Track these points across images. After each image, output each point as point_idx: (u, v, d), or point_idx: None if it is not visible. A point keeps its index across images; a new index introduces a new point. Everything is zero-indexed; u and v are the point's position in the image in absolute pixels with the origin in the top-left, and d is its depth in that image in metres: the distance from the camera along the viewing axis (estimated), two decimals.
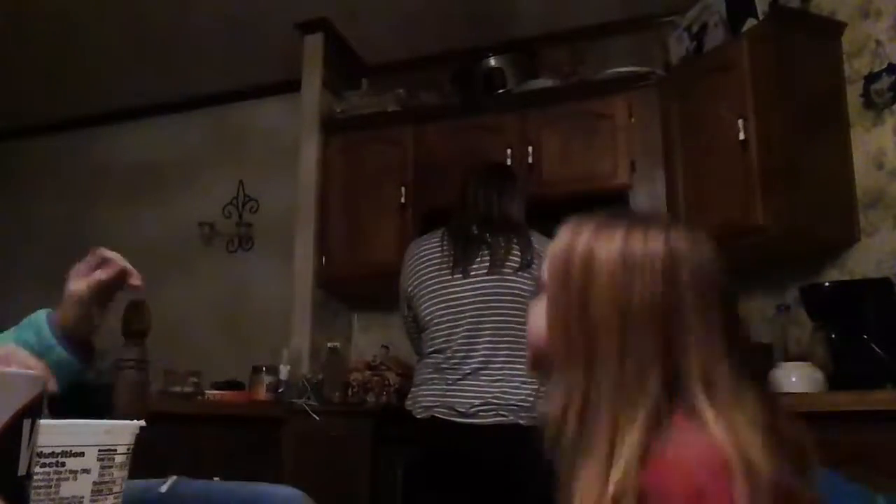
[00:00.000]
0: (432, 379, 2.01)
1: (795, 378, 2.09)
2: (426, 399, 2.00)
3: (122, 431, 0.70)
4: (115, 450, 0.68)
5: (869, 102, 2.38)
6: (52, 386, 0.65)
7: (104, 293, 1.02)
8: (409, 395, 2.10)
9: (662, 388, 0.69)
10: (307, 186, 3.44)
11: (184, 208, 4.08)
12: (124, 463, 0.69)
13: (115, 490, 0.68)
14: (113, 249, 1.05)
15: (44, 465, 0.61)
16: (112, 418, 0.82)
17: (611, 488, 0.65)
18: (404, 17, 3.45)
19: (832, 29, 2.50)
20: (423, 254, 2.13)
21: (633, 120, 2.94)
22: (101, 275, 1.02)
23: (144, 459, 0.78)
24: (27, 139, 4.61)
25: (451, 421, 1.93)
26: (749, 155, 2.41)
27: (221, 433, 2.50)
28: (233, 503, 1.13)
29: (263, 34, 3.57)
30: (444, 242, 2.10)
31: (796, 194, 2.34)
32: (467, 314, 1.99)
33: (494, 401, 1.90)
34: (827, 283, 2.29)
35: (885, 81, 2.32)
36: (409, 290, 2.13)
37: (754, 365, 0.73)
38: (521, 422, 1.87)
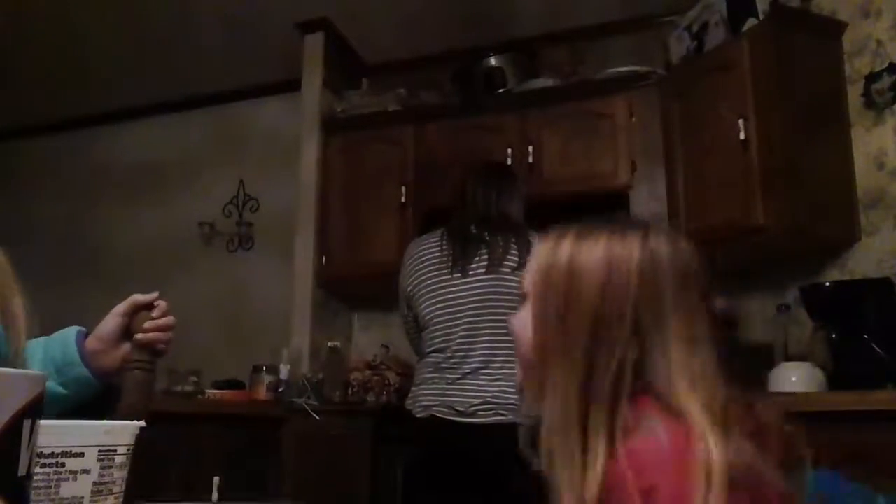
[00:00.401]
0: (432, 378, 2.02)
1: (795, 378, 2.09)
2: (426, 398, 2.00)
3: (122, 432, 0.70)
4: (115, 450, 0.68)
5: (869, 102, 2.38)
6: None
7: (137, 320, 1.03)
8: (410, 395, 2.11)
9: (635, 386, 0.72)
10: (307, 186, 3.44)
11: (184, 208, 4.08)
12: (124, 463, 0.69)
13: (115, 490, 0.68)
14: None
15: (44, 466, 0.61)
16: (113, 418, 0.82)
17: (589, 493, 0.68)
18: (404, 17, 3.45)
19: (833, 29, 2.50)
20: (422, 253, 2.13)
21: (633, 120, 2.94)
22: (136, 297, 1.04)
23: (145, 459, 0.78)
24: (27, 139, 4.61)
25: (450, 420, 1.94)
26: (749, 155, 2.41)
27: (222, 433, 2.50)
28: None
29: (263, 34, 3.57)
30: (444, 242, 2.10)
31: (796, 194, 2.34)
32: (465, 313, 2.00)
33: (494, 400, 1.90)
34: (827, 283, 2.29)
35: (886, 81, 2.32)
36: (409, 289, 2.13)
37: (740, 364, 0.74)
38: (520, 421, 1.87)
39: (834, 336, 2.11)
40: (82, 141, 4.48)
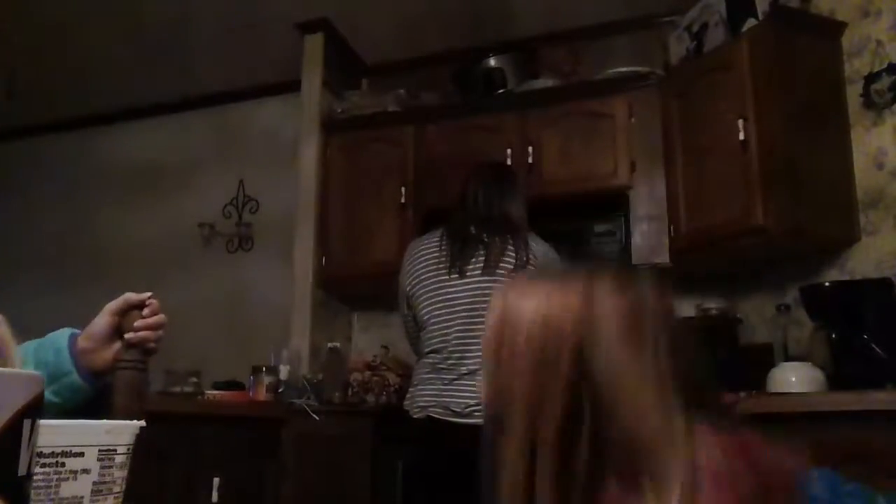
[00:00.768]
0: (429, 379, 2.02)
1: (795, 378, 2.09)
2: (423, 399, 2.01)
3: (122, 431, 0.70)
4: (115, 450, 0.68)
5: (869, 102, 2.38)
6: None
7: (127, 318, 1.01)
8: (407, 395, 2.11)
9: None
10: (307, 186, 3.44)
11: (184, 208, 4.08)
12: (124, 463, 0.69)
13: (115, 490, 0.68)
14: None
15: (44, 465, 0.61)
16: (110, 419, 0.82)
17: None
18: (404, 17, 3.45)
19: (832, 29, 2.50)
20: (421, 253, 2.13)
21: (633, 120, 2.94)
22: (129, 295, 1.02)
23: (145, 459, 0.78)
24: (27, 139, 4.61)
25: (446, 421, 1.94)
26: (749, 155, 2.41)
27: (221, 433, 2.49)
28: None
29: (263, 34, 3.57)
30: (443, 242, 2.10)
31: (796, 194, 2.34)
32: (461, 314, 2.00)
33: None
34: (827, 283, 2.29)
35: (886, 81, 2.32)
36: (408, 289, 2.14)
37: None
38: None
39: (834, 336, 2.11)
40: (82, 141, 4.47)
